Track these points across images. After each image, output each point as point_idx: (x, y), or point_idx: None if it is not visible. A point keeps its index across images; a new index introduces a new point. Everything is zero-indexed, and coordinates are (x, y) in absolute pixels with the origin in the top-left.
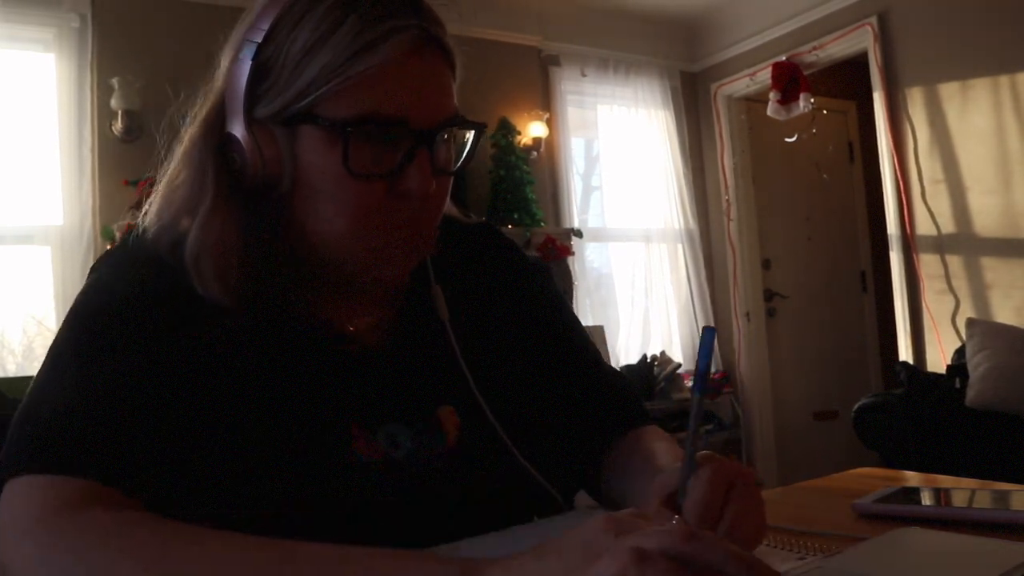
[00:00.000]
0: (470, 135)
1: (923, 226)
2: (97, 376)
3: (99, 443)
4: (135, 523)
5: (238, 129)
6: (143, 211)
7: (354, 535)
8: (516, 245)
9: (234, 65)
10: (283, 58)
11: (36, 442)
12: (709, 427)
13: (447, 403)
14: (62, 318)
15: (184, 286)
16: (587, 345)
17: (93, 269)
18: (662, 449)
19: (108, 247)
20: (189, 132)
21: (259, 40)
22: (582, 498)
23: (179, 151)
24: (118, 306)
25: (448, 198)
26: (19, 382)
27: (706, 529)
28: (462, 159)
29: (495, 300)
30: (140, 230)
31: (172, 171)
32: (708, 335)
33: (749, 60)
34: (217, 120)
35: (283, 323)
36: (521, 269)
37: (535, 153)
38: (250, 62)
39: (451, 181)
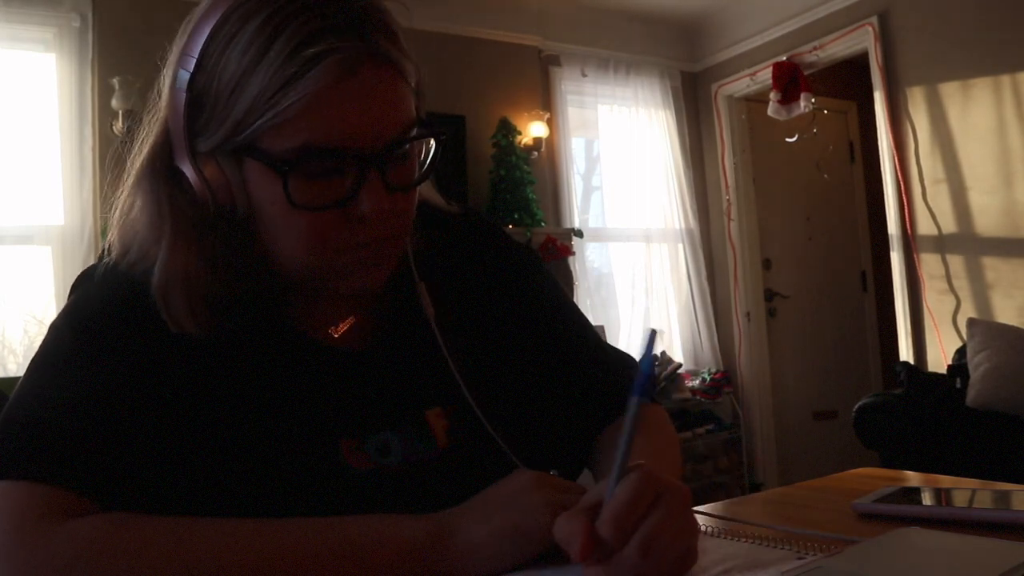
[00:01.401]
0: (434, 141)
1: (924, 226)
2: (76, 385)
3: (75, 451)
4: (129, 524)
5: (184, 163)
6: (106, 245)
7: None
8: (502, 231)
9: (172, 93)
10: (215, 89)
11: (10, 448)
12: (710, 427)
13: (435, 404)
14: None
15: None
16: (581, 327)
17: (73, 288)
18: (651, 439)
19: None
20: (138, 162)
21: (191, 69)
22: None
23: (129, 181)
24: (99, 317)
25: (432, 183)
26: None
27: (620, 540)
28: (423, 171)
29: (481, 291)
30: (110, 262)
31: (124, 203)
32: (649, 338)
33: (749, 60)
34: (163, 152)
35: (263, 332)
36: (508, 255)
37: (535, 153)
38: (185, 93)
39: (416, 192)
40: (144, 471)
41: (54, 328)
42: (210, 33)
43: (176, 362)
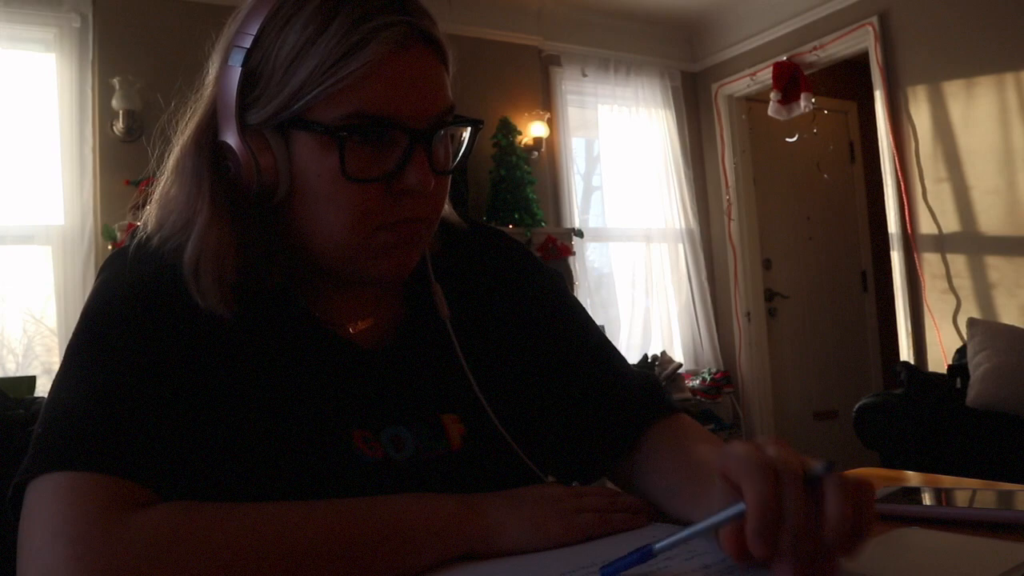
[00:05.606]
0: (467, 133)
1: (925, 225)
2: (108, 373)
3: (130, 441)
4: (196, 512)
5: (231, 137)
6: (142, 221)
7: None
8: (523, 248)
9: (223, 72)
10: (272, 63)
11: (56, 441)
12: (710, 427)
13: (451, 410)
14: (62, 317)
15: (187, 287)
16: (601, 344)
17: (101, 271)
18: (707, 451)
19: (109, 247)
20: (180, 142)
21: (247, 46)
22: None
23: (170, 162)
24: (126, 303)
25: (447, 198)
26: (19, 382)
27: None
28: (459, 157)
29: (497, 300)
30: (143, 238)
31: (164, 182)
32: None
33: (750, 60)
34: (209, 129)
35: (285, 324)
36: (526, 270)
37: (536, 153)
38: (239, 68)
39: (449, 179)
40: (169, 455)
41: (85, 313)
42: (268, 15)
43: (199, 343)
